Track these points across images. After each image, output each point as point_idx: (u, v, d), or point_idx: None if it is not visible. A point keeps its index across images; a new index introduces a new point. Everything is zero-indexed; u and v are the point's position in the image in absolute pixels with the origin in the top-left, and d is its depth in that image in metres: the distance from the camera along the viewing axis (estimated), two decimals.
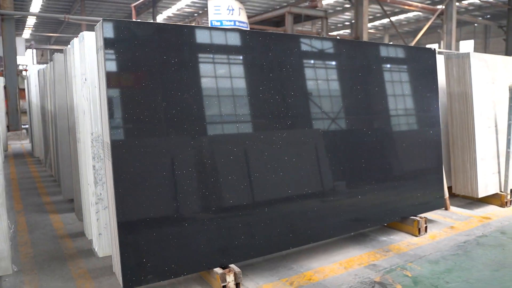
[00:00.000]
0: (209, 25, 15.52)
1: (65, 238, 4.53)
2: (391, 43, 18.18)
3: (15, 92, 12.61)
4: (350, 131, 4.17)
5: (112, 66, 2.94)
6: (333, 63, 4.15)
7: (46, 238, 4.54)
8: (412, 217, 4.58)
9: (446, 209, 5.46)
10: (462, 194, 5.57)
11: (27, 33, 34.14)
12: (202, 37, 3.32)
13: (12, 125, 13.02)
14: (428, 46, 26.27)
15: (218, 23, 15.65)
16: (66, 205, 5.75)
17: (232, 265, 3.37)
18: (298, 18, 17.29)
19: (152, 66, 3.08)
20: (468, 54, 5.32)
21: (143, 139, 3.04)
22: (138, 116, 3.01)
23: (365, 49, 4.41)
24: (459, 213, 5.38)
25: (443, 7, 18.04)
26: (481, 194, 5.39)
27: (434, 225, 4.90)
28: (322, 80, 4.01)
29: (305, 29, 26.80)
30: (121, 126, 2.97)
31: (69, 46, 4.36)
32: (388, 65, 4.57)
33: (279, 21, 18.01)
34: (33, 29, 32.90)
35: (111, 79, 2.93)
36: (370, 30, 35.13)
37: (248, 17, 18.41)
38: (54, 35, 33.76)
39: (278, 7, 19.21)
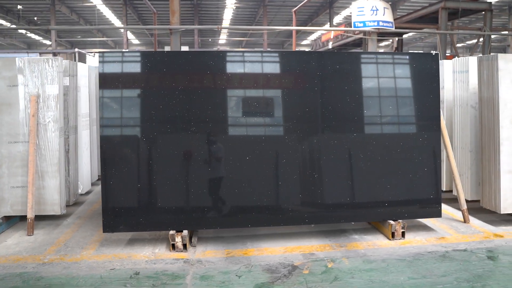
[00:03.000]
0: (352, 27, 15.86)
1: None
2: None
3: None
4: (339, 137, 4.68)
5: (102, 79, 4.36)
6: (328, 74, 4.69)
7: None
8: (390, 221, 4.69)
9: (465, 221, 5.17)
10: (488, 208, 5.15)
11: (223, 39, 39.80)
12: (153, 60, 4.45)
13: None
14: None
15: (361, 24, 15.82)
16: None
17: (184, 231, 4.42)
18: (456, 14, 15.96)
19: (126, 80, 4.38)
20: (496, 56, 4.91)
21: (122, 130, 4.38)
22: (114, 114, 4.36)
23: (360, 59, 4.77)
24: (475, 227, 5.04)
25: None
26: (505, 210, 4.92)
27: (426, 233, 4.85)
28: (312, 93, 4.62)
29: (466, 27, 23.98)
30: (106, 122, 4.36)
31: None
32: (384, 73, 4.76)
33: (437, 17, 16.89)
34: (228, 34, 38.16)
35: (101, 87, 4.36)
36: None
37: (401, 17, 17.93)
38: (244, 39, 38.54)
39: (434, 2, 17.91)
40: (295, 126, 4.53)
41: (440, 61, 6.13)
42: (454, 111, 5.78)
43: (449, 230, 4.95)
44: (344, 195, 4.66)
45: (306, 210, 4.66)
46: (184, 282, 3.69)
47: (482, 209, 5.36)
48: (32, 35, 30.61)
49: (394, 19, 18.52)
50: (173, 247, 4.36)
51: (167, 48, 16.35)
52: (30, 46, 32.70)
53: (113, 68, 4.41)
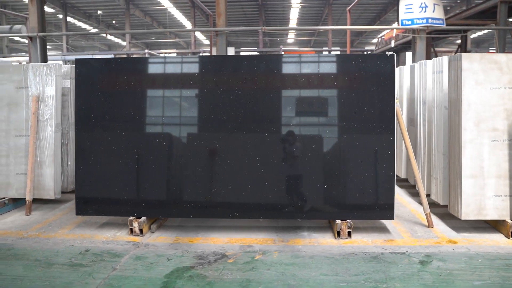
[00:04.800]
0: (400, 25, 15.31)
1: None
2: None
3: None
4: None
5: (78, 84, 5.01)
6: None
7: None
8: (337, 220, 4.76)
9: (429, 226, 5.05)
10: (452, 213, 4.97)
11: (291, 38, 40.01)
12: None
13: None
14: None
15: (409, 22, 15.21)
16: None
17: (142, 217, 4.91)
18: None
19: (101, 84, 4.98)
20: (460, 56, 4.74)
21: (93, 127, 4.99)
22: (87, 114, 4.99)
23: (321, 60, 4.93)
24: (436, 232, 4.91)
25: None
26: (466, 216, 4.73)
27: (377, 235, 4.85)
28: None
29: None
30: (81, 119, 5.01)
31: None
32: (338, 75, 4.85)
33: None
34: (296, 33, 38.33)
35: (77, 92, 5.00)
36: None
37: (460, 12, 16.90)
38: (311, 38, 38.47)
39: None
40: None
41: (423, 61, 5.99)
42: (432, 112, 5.62)
43: (405, 234, 4.88)
44: (293, 192, 4.85)
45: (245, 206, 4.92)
46: (119, 260, 4.18)
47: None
48: (112, 38, 33.40)
49: (454, 15, 17.53)
50: (132, 231, 4.88)
51: (213, 50, 17.09)
52: (111, 48, 35.68)
53: (87, 73, 5.04)
